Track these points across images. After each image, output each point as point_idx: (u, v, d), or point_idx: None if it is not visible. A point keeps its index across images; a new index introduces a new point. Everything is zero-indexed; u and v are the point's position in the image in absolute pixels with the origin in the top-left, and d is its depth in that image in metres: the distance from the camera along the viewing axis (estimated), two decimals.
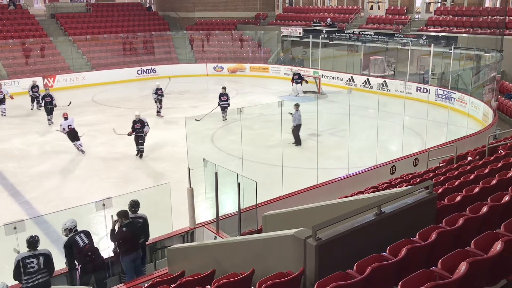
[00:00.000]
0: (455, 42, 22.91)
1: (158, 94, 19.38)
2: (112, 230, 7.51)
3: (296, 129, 15.24)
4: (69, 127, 14.73)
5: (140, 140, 14.43)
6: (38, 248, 6.73)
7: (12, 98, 18.19)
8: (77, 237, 7.15)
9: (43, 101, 18.34)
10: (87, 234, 7.28)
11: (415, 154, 12.96)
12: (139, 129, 14.38)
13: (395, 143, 15.61)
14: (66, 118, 14.81)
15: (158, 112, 19.64)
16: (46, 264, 6.74)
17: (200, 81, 28.60)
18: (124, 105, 22.19)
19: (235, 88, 26.32)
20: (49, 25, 31.09)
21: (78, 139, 14.88)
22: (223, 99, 18.16)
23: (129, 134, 14.55)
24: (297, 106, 15.28)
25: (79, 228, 7.35)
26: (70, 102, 19.03)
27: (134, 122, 14.44)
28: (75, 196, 11.66)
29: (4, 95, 18.52)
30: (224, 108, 18.12)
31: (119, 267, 7.76)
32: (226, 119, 18.12)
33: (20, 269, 6.53)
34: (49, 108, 18.18)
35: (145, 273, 7.74)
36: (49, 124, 18.07)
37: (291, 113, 15.11)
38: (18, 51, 27.55)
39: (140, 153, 14.53)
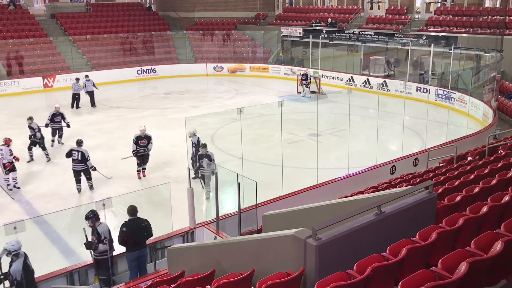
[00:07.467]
0: (455, 42, 22.90)
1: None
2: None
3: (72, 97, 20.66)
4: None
5: (146, 159, 12.80)
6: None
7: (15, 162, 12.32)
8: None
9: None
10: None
11: (415, 154, 12.95)
12: (144, 146, 12.59)
13: (395, 143, 15.60)
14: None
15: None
16: (82, 158, 11.43)
17: (200, 81, 28.59)
18: (124, 105, 22.20)
19: (235, 88, 26.34)
20: (49, 25, 31.07)
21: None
22: (203, 164, 10.97)
23: (134, 154, 12.71)
24: None
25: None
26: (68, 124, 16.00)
27: (139, 138, 12.52)
28: (75, 196, 11.68)
29: (10, 160, 12.11)
30: (203, 177, 11.30)
31: (124, 265, 7.81)
32: (208, 197, 10.99)
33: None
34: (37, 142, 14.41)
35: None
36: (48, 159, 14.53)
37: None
38: (18, 51, 27.55)
39: (143, 171, 12.88)
